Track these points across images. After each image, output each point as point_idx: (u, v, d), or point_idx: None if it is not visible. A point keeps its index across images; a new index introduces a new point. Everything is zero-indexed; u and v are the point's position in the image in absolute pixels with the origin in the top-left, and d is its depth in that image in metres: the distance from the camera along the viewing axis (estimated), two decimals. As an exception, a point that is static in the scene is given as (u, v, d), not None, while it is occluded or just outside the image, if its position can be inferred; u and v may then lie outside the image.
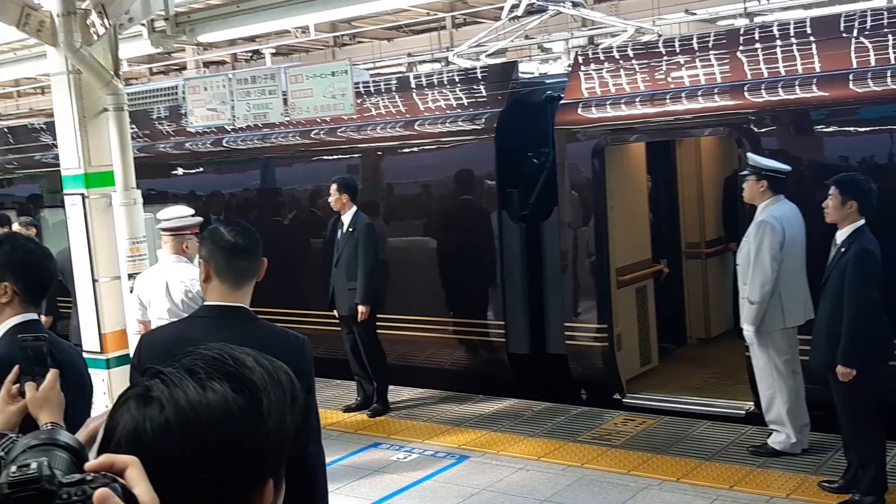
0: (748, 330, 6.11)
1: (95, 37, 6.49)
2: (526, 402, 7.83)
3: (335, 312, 7.89)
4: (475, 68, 9.08)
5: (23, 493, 0.97)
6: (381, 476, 6.40)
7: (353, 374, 8.05)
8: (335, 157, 9.43)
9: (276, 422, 1.17)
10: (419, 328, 8.36)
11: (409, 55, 17.25)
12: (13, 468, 0.99)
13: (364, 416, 7.72)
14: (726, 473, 5.95)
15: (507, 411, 7.66)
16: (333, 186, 7.70)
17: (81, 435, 1.71)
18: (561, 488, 5.94)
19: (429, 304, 8.50)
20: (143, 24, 7.39)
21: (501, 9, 10.52)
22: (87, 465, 1.04)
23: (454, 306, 8.51)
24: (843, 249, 5.38)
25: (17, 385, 2.36)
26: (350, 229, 7.66)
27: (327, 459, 3.12)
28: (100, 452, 1.10)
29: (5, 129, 13.75)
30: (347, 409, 7.86)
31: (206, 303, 2.92)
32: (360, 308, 7.56)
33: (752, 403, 6.83)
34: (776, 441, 6.17)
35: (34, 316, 2.89)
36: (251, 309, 2.91)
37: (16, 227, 8.79)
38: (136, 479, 1.03)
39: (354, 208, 7.69)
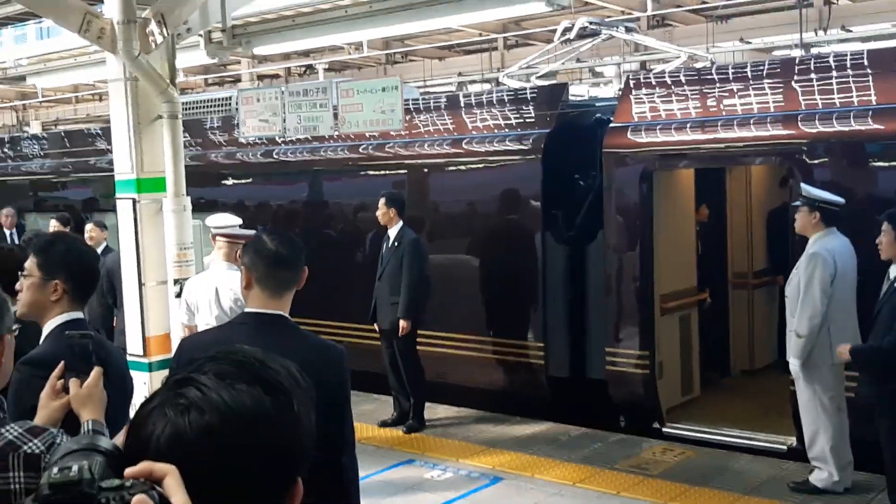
0: (794, 363, 6.00)
1: (153, 45, 6.61)
2: (563, 427, 7.76)
3: (375, 326, 7.90)
4: (525, 89, 9.09)
5: (62, 495, 0.99)
6: (414, 494, 6.37)
7: (391, 389, 8.04)
8: (382, 172, 9.48)
9: (305, 420, 1.21)
10: (458, 346, 8.34)
11: (460, 74, 17.32)
12: (54, 470, 1.01)
13: (399, 432, 7.71)
14: (765, 509, 5.83)
15: (544, 435, 7.60)
16: (381, 200, 7.73)
17: (120, 440, 1.73)
18: (595, 515, 5.87)
19: (469, 323, 8.47)
20: (200, 35, 7.53)
21: (553, 31, 10.52)
22: (126, 472, 1.05)
23: (494, 326, 8.48)
24: (894, 284, 5.27)
25: (62, 381, 2.39)
26: (395, 243, 7.68)
27: (361, 473, 3.12)
28: (131, 461, 1.12)
29: (63, 134, 14.05)
30: (384, 424, 7.86)
31: (246, 310, 2.94)
32: (402, 323, 7.57)
33: (794, 438, 6.70)
34: (818, 478, 6.03)
35: (80, 315, 2.95)
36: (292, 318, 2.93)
37: (88, 227, 8.97)
38: (174, 487, 1.05)
39: (401, 223, 7.72)
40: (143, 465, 1.06)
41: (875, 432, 5.40)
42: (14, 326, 2.28)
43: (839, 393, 6.00)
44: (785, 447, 6.86)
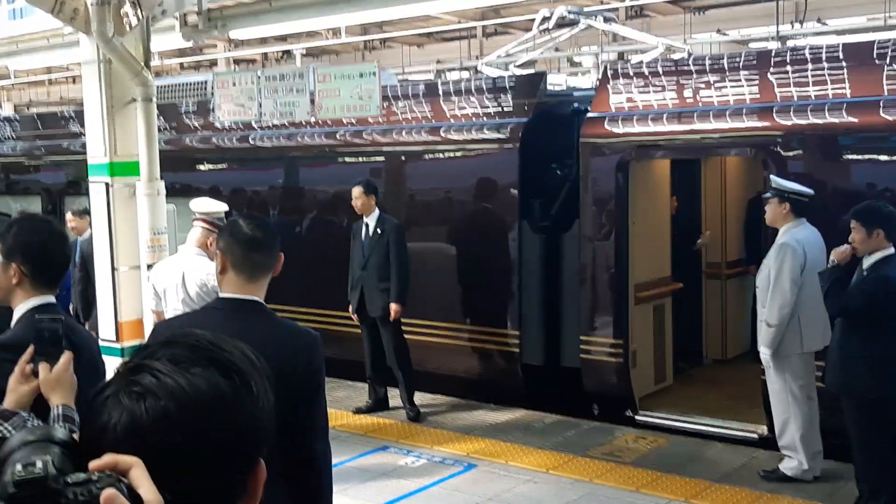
0: (765, 353, 6.06)
1: (128, 27, 6.54)
2: (537, 414, 7.80)
3: (354, 316, 7.85)
4: (503, 78, 9.08)
5: (28, 492, 0.97)
6: (388, 480, 6.38)
7: (367, 377, 8.02)
8: (358, 158, 9.45)
9: (264, 401, 1.19)
10: (433, 333, 8.35)
11: (438, 62, 17.27)
12: (18, 467, 0.99)
13: (374, 419, 7.70)
14: (736, 497, 5.89)
15: (518, 422, 7.63)
16: (359, 189, 7.66)
17: None
18: (568, 502, 5.90)
19: (444, 310, 8.48)
20: (175, 18, 7.44)
21: (532, 20, 10.51)
22: (91, 465, 1.04)
23: (469, 313, 8.50)
24: (865, 274, 5.33)
25: (31, 365, 2.37)
26: (378, 230, 7.62)
27: (335, 460, 3.12)
28: (87, 451, 1.10)
29: (35, 116, 13.88)
30: (358, 411, 7.85)
31: (220, 294, 2.92)
32: (395, 306, 7.54)
33: (765, 427, 6.77)
34: (788, 467, 6.11)
35: (51, 299, 2.90)
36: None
37: (68, 216, 8.85)
38: (140, 478, 1.04)
39: (377, 210, 7.68)
40: (108, 458, 1.05)
41: (843, 420, 5.47)
42: None
43: (809, 382, 6.07)
44: (756, 436, 6.94)
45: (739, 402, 7.64)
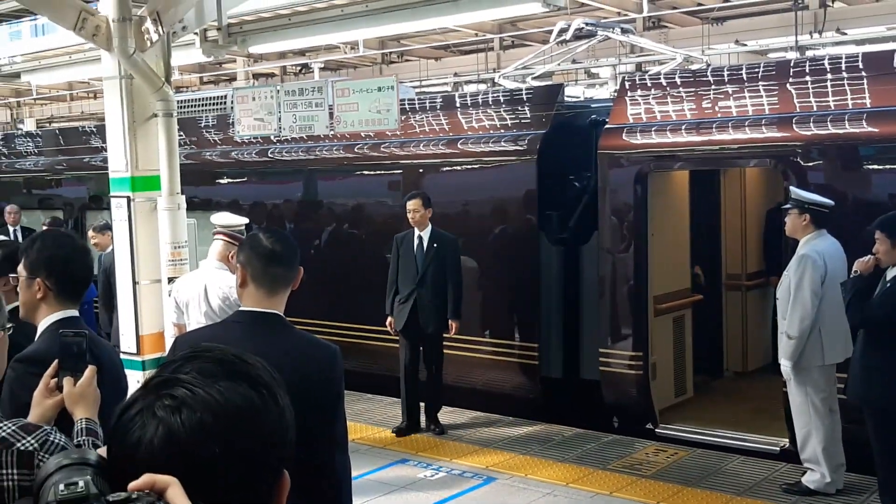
0: (786, 365, 6.02)
1: (149, 43, 6.61)
2: (556, 427, 7.77)
3: (393, 331, 7.70)
4: (520, 90, 9.10)
5: None
6: (407, 493, 6.37)
7: (403, 396, 7.74)
8: (377, 171, 9.49)
9: (288, 413, 1.22)
10: (451, 346, 8.34)
11: (456, 74, 17.33)
12: (61, 486, 1.02)
13: (389, 433, 7.68)
14: (757, 510, 5.85)
15: (537, 435, 7.61)
16: (418, 202, 7.47)
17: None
18: (588, 515, 5.88)
19: (464, 323, 8.47)
20: (195, 33, 7.51)
21: (550, 32, 10.54)
22: (130, 486, 1.05)
23: (488, 326, 8.49)
24: (888, 285, 5.28)
25: (56, 380, 2.39)
26: (434, 245, 7.48)
27: (354, 473, 3.13)
28: (119, 467, 1.12)
29: (57, 132, 14.03)
30: (397, 433, 7.58)
31: (241, 308, 2.94)
32: (454, 324, 7.49)
33: (787, 440, 6.72)
34: (810, 480, 6.05)
35: (74, 313, 2.93)
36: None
37: (90, 233, 8.92)
38: (178, 497, 1.05)
39: (430, 224, 7.56)
40: (146, 478, 1.07)
41: (865, 433, 5.42)
42: (8, 325, 2.27)
43: (831, 394, 6.02)
44: (777, 448, 6.88)
45: (760, 415, 7.58)
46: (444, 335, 7.67)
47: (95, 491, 1.02)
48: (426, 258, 7.50)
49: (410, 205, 7.53)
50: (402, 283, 7.60)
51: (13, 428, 1.84)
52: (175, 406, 1.14)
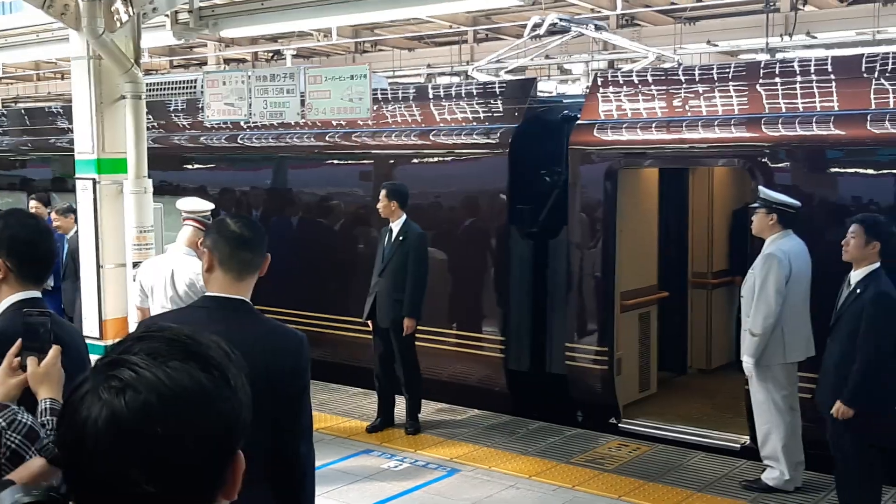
0: (748, 362, 6.08)
1: (118, 24, 6.52)
2: (521, 420, 7.79)
3: (369, 323, 7.54)
4: (493, 83, 9.09)
5: None
6: (371, 483, 6.36)
7: (377, 390, 7.64)
8: (348, 161, 9.44)
9: (241, 393, 1.21)
10: (420, 338, 8.34)
11: (429, 66, 17.30)
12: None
13: (357, 422, 7.67)
14: (717, 506, 5.91)
15: (502, 428, 7.63)
16: (382, 192, 7.40)
17: (24, 474, 1.72)
18: (550, 508, 5.90)
19: (432, 315, 8.45)
20: (166, 15, 7.42)
21: (524, 27, 10.54)
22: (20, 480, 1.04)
23: (456, 318, 8.49)
24: (857, 290, 5.31)
25: (19, 359, 2.36)
26: (400, 238, 7.33)
27: (318, 462, 3.11)
28: (69, 445, 1.10)
29: (23, 111, 13.81)
30: (372, 430, 7.44)
31: (206, 293, 2.91)
32: (408, 322, 7.28)
33: (747, 437, 6.80)
34: (770, 477, 6.13)
35: (37, 293, 2.88)
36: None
37: (53, 215, 8.78)
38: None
39: (404, 216, 7.38)
40: (20, 471, 1.06)
41: (825, 432, 5.48)
42: None
43: (792, 392, 6.09)
44: (738, 445, 6.96)
45: (722, 412, 7.67)
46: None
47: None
48: (390, 250, 7.39)
49: (380, 195, 7.48)
50: (374, 274, 7.54)
51: None
52: (120, 387, 1.12)
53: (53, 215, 8.78)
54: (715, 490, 6.18)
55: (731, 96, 7.16)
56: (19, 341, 2.38)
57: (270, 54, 18.86)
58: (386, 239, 7.46)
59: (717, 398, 8.12)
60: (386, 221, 7.52)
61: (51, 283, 8.21)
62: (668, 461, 6.76)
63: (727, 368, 8.92)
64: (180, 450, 1.12)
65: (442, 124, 8.67)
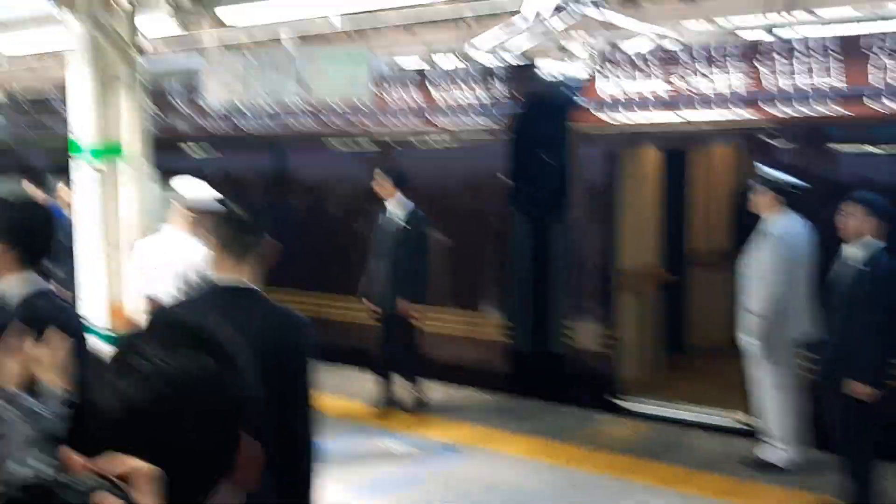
0: (748, 341, 6.10)
1: (116, 7, 6.50)
2: (521, 399, 7.83)
3: (365, 302, 7.60)
4: (494, 65, 9.07)
5: (24, 495, 0.98)
6: (374, 464, 6.41)
7: (377, 372, 7.70)
8: (348, 144, 9.43)
9: (249, 378, 1.24)
10: (422, 319, 8.35)
11: (429, 48, 17.22)
12: (14, 466, 1.01)
13: (358, 403, 7.71)
14: (717, 484, 5.95)
15: (504, 408, 7.67)
16: (376, 172, 7.48)
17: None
18: (551, 488, 5.95)
19: (434, 297, 8.46)
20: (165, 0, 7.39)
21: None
22: (99, 466, 1.05)
23: (460, 300, 8.51)
24: (866, 268, 5.29)
25: (24, 344, 2.37)
26: (397, 220, 7.37)
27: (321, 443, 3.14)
28: (79, 432, 1.11)
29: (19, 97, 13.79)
30: (375, 411, 7.52)
31: (210, 276, 2.93)
32: (404, 304, 7.32)
33: (747, 415, 6.82)
34: (769, 455, 6.16)
35: (40, 278, 2.91)
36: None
37: (59, 185, 8.68)
38: (147, 493, 1.05)
39: (404, 200, 7.42)
40: (113, 461, 1.06)
41: (826, 410, 5.51)
42: None
43: (792, 371, 6.12)
44: (738, 424, 6.99)
45: (721, 391, 7.69)
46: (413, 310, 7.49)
47: (50, 474, 0.99)
48: (390, 234, 7.42)
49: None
50: (373, 256, 7.55)
51: None
52: (132, 375, 1.15)
53: (60, 184, 8.61)
54: (715, 468, 6.22)
55: (731, 75, 7.15)
56: (22, 326, 2.40)
57: (269, 38, 18.77)
58: (383, 221, 7.46)
59: (717, 377, 8.13)
60: (371, 204, 7.56)
61: (59, 271, 8.20)
62: (667, 439, 6.80)
63: (726, 347, 8.91)
64: (191, 434, 1.15)
65: (442, 106, 8.65)
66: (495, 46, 10.57)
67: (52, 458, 1.03)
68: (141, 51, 6.87)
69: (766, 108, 6.86)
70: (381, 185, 7.44)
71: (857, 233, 5.38)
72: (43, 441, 1.10)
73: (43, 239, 2.98)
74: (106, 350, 1.22)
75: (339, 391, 8.03)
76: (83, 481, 1.01)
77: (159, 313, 1.45)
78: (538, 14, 9.85)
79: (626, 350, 7.85)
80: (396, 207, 7.42)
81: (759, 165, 6.31)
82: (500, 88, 8.42)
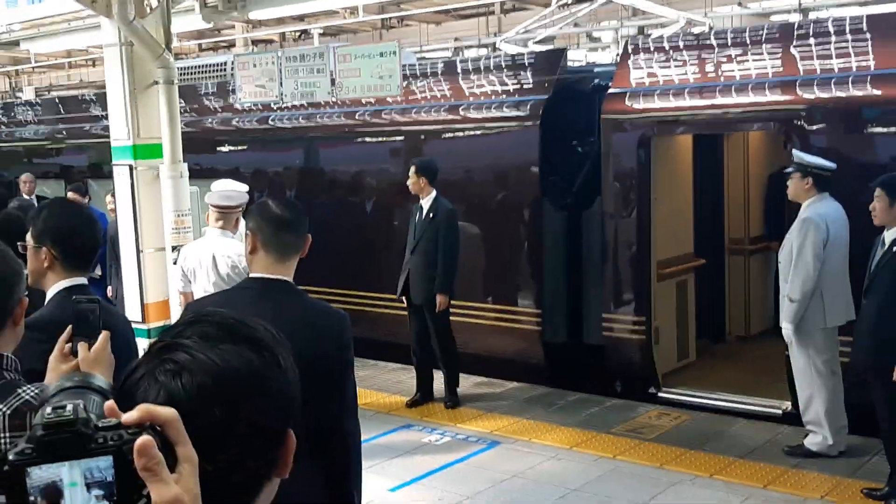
0: (787, 328, 6.05)
1: (149, 9, 6.57)
2: (560, 392, 7.82)
3: (403, 299, 7.56)
4: (522, 55, 9.04)
5: (56, 435, 0.95)
6: (413, 457, 6.43)
7: (414, 366, 7.71)
8: (379, 138, 9.46)
9: (291, 373, 1.23)
10: (455, 312, 8.37)
11: (456, 39, 17.19)
12: (48, 409, 0.97)
13: (398, 397, 7.74)
14: (760, 472, 5.91)
15: (541, 400, 7.66)
16: (411, 169, 7.40)
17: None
18: (592, 479, 5.93)
19: (467, 290, 8.48)
20: None
21: (552, -4, 10.45)
22: (125, 418, 1.02)
23: (491, 292, 8.51)
24: (894, 249, 5.27)
25: (70, 345, 2.41)
26: (430, 215, 7.33)
27: (362, 437, 3.16)
28: None
29: (57, 100, 13.97)
30: (413, 405, 7.52)
31: (251, 274, 2.96)
32: (440, 298, 7.28)
33: (789, 403, 6.77)
34: (812, 442, 6.10)
35: (83, 280, 2.95)
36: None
37: (108, 198, 8.88)
38: (177, 433, 1.04)
39: (434, 192, 7.36)
40: (143, 408, 1.03)
41: (868, 395, 5.45)
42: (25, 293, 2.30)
43: (833, 357, 6.05)
44: (780, 411, 6.93)
45: (763, 378, 7.63)
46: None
47: (84, 415, 0.97)
48: (420, 227, 7.40)
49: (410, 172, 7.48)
50: (407, 251, 7.56)
51: (35, 391, 1.88)
52: (176, 370, 1.15)
53: (108, 198, 8.65)
54: (757, 457, 6.18)
55: (765, 59, 7.06)
56: (69, 328, 2.43)
57: (298, 34, 18.85)
58: (417, 216, 7.47)
59: (758, 364, 8.07)
60: (416, 198, 7.53)
61: (98, 271, 8.33)
62: (708, 429, 6.75)
63: (766, 335, 8.86)
64: (235, 430, 1.15)
65: (472, 98, 8.64)
66: (523, 35, 10.55)
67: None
68: (174, 52, 6.93)
69: (802, 92, 6.77)
70: (417, 182, 7.40)
71: (889, 218, 5.32)
72: (79, 389, 1.10)
73: (86, 241, 3.02)
74: (148, 345, 1.23)
75: (379, 386, 8.06)
76: (119, 423, 1.00)
77: (200, 309, 1.46)
78: (566, 2, 9.81)
79: (665, 339, 7.80)
80: (428, 201, 7.41)
81: (796, 150, 6.24)
82: (529, 78, 8.39)
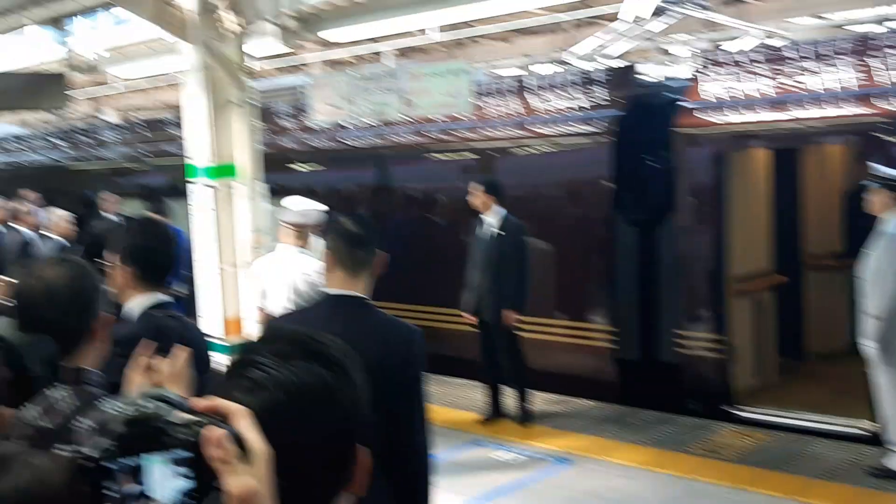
0: (869, 346, 5.88)
1: (227, 33, 6.75)
2: (633, 410, 7.72)
3: (468, 317, 7.57)
4: (594, 70, 9.01)
5: (136, 430, 1.01)
6: (485, 474, 6.42)
7: (485, 382, 7.70)
8: (450, 155, 9.51)
9: (362, 389, 1.26)
10: (527, 330, 8.35)
11: (527, 56, 17.19)
12: (129, 409, 1.04)
13: (467, 413, 7.73)
14: (841, 493, 5.74)
15: (613, 417, 7.58)
16: (476, 185, 7.43)
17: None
18: (668, 499, 5.85)
19: (539, 307, 8.44)
20: (271, 23, 7.63)
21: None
22: (198, 406, 1.06)
23: (563, 309, 8.46)
24: None
25: (151, 360, 2.48)
26: (499, 232, 7.35)
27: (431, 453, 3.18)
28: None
29: (142, 122, 14.41)
30: (485, 421, 7.53)
31: (325, 291, 3.01)
32: (509, 313, 7.29)
33: (870, 423, 6.56)
34: (895, 462, 5.91)
35: (162, 296, 3.04)
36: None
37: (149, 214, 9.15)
38: (248, 427, 1.07)
39: (501, 209, 7.39)
40: (215, 401, 1.07)
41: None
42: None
43: (917, 376, 5.86)
44: (861, 431, 6.73)
45: (843, 398, 7.41)
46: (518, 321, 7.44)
47: (161, 413, 1.03)
48: (487, 244, 7.39)
49: (471, 188, 7.48)
50: (472, 268, 7.55)
51: (115, 404, 1.93)
52: (251, 387, 1.18)
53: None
54: (837, 477, 6.01)
55: (841, 71, 6.91)
56: (148, 343, 2.50)
57: (371, 54, 19.08)
58: (482, 232, 7.47)
59: (838, 383, 7.84)
60: (472, 214, 7.52)
61: (184, 290, 8.54)
62: (787, 449, 6.60)
63: (847, 352, 8.60)
64: (309, 446, 1.18)
65: (543, 114, 8.64)
66: (595, 51, 10.50)
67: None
68: (251, 74, 7.11)
69: (879, 104, 6.60)
70: (477, 196, 7.42)
71: None
72: (155, 398, 1.15)
73: (164, 258, 3.11)
74: (223, 361, 1.27)
75: (449, 402, 8.08)
76: (193, 419, 1.04)
77: (274, 325, 1.49)
78: (638, 17, 9.75)
79: (741, 357, 7.65)
80: (492, 217, 7.41)
81: (873, 164, 6.08)
82: (600, 93, 8.35)
